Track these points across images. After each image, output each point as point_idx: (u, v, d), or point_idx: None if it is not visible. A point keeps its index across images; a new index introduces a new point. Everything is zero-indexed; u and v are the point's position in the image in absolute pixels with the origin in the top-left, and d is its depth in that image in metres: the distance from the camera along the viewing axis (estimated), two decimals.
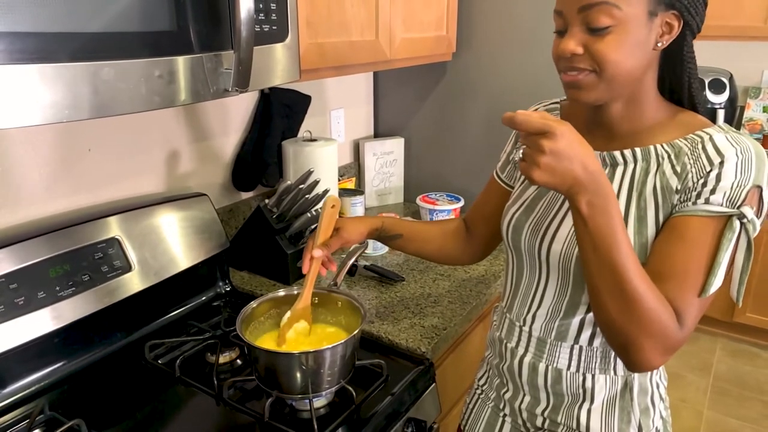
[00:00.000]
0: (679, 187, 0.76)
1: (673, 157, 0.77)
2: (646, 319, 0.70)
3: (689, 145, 0.76)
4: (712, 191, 0.73)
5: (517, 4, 1.66)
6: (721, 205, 0.72)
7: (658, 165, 0.78)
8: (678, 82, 0.80)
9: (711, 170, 0.73)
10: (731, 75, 2.98)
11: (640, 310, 0.70)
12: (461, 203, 1.82)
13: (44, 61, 0.67)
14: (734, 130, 0.77)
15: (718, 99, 2.94)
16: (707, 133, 0.76)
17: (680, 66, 0.79)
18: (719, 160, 0.73)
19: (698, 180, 0.74)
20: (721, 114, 2.94)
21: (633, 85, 0.77)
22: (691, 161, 0.75)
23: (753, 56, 3.08)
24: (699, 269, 0.73)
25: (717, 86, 2.95)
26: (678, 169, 0.76)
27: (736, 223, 0.72)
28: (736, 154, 0.73)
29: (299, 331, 1.02)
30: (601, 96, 0.77)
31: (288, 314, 1.02)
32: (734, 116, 3.07)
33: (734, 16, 2.74)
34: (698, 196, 0.74)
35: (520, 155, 0.68)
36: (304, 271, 1.00)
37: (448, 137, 1.92)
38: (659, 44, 0.75)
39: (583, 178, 0.67)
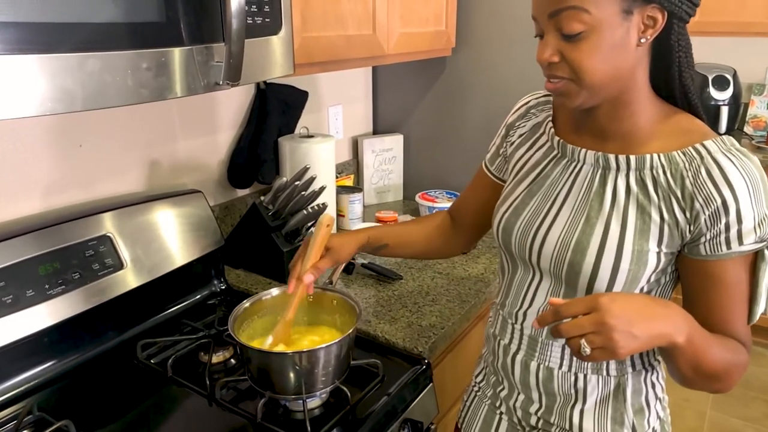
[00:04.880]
0: (689, 217, 0.74)
1: (668, 173, 0.74)
2: (734, 376, 0.76)
3: (687, 162, 0.73)
4: (740, 234, 0.72)
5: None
6: (753, 243, 0.73)
7: (654, 179, 0.75)
8: (668, 72, 0.76)
9: (726, 204, 0.71)
10: (735, 71, 2.95)
11: (728, 375, 0.75)
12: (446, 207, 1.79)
13: (26, 52, 0.64)
14: (733, 143, 0.74)
15: (722, 96, 2.91)
16: (706, 149, 0.73)
17: (669, 55, 0.75)
18: (730, 194, 0.70)
19: (715, 220, 0.72)
20: (724, 111, 2.91)
21: (620, 85, 0.74)
22: (696, 188, 0.72)
23: (757, 52, 3.05)
24: (745, 302, 0.77)
25: (721, 83, 2.92)
26: (679, 193, 0.74)
27: (767, 253, 0.74)
28: (747, 188, 0.71)
29: None
30: (586, 101, 0.75)
31: (270, 340, 0.96)
32: (738, 113, 3.04)
33: (738, 12, 2.71)
34: (728, 241, 0.72)
35: (587, 351, 0.65)
36: (289, 291, 0.96)
37: (448, 134, 1.90)
38: (643, 40, 0.71)
39: (665, 323, 0.68)
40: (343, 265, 1.14)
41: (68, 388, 1.03)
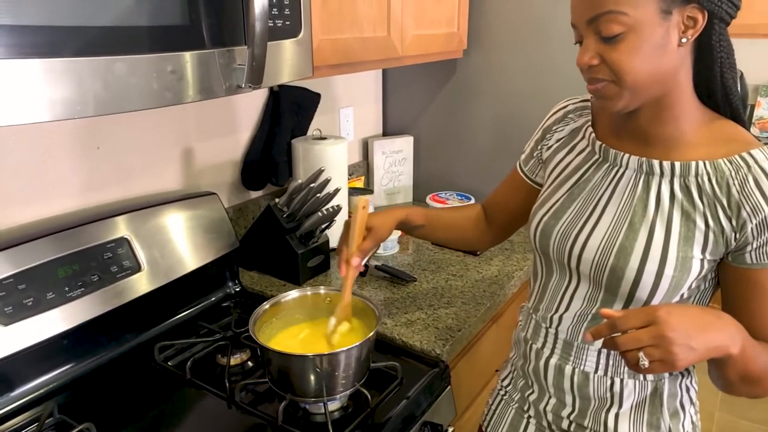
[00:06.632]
0: (735, 225, 0.73)
1: (714, 181, 0.74)
2: None
3: (733, 170, 0.73)
4: None
5: (528, 1, 1.64)
6: None
7: (699, 186, 0.75)
8: (710, 74, 0.76)
9: None
10: (741, 73, 2.94)
11: None
12: (471, 202, 1.80)
13: (54, 56, 0.65)
14: None
15: None
16: (753, 158, 0.73)
17: (710, 55, 0.74)
18: None
19: (762, 229, 0.72)
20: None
21: (662, 87, 0.74)
22: (743, 196, 0.72)
23: (764, 54, 3.05)
24: None
25: None
26: (725, 201, 0.74)
27: None
28: None
29: (343, 333, 1.00)
30: (629, 103, 0.75)
31: (333, 321, 1.00)
32: (744, 115, 3.04)
33: (744, 13, 2.67)
34: None
35: (646, 364, 0.65)
36: (342, 275, 0.99)
37: (458, 135, 1.90)
38: (684, 40, 0.71)
39: (721, 335, 0.67)
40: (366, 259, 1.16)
41: (87, 390, 1.03)
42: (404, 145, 1.98)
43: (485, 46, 1.76)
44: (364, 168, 1.99)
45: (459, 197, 1.84)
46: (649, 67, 0.71)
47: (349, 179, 1.83)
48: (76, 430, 0.89)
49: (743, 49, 3.06)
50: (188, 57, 0.79)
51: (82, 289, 1.04)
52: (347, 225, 1.00)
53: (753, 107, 3.06)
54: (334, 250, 1.52)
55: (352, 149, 1.95)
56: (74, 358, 1.06)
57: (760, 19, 2.68)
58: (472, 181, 1.91)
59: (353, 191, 1.74)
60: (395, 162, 1.98)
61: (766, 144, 0.76)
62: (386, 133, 2.07)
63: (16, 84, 0.62)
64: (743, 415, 2.49)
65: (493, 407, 1.05)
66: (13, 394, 0.97)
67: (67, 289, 1.02)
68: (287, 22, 0.94)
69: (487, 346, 1.41)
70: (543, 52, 1.65)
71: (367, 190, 1.79)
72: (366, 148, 2.00)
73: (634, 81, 0.72)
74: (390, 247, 1.57)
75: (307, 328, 1.05)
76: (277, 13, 0.91)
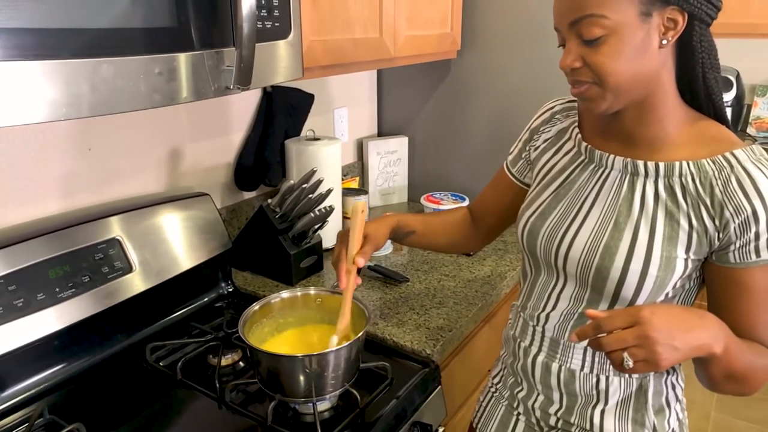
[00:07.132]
0: (718, 225, 0.74)
1: (698, 181, 0.75)
2: (761, 380, 0.75)
3: (716, 170, 0.74)
4: None
5: (522, 1, 1.64)
6: None
7: (683, 186, 0.76)
8: (692, 74, 0.76)
9: (756, 214, 0.71)
10: (738, 73, 2.95)
11: (756, 379, 0.75)
12: (466, 203, 1.80)
13: (42, 58, 0.65)
14: (762, 153, 0.74)
15: (725, 97, 2.91)
16: (736, 158, 0.73)
17: (691, 56, 0.75)
18: (760, 204, 0.71)
19: (744, 228, 0.72)
20: (728, 112, 2.91)
21: (645, 88, 0.75)
22: (726, 196, 0.73)
23: (761, 54, 3.05)
24: None
25: (723, 84, 2.91)
26: (708, 202, 0.74)
27: None
28: None
29: None
30: (612, 105, 0.76)
31: (335, 339, 0.96)
32: (741, 114, 3.04)
33: (741, 13, 2.70)
34: (757, 249, 0.73)
35: (630, 364, 0.65)
36: (342, 287, 0.96)
37: (453, 136, 1.90)
38: (664, 42, 0.72)
39: (704, 334, 0.68)
40: None
41: (78, 390, 1.03)
42: (399, 145, 1.98)
43: (479, 47, 1.76)
44: (358, 168, 1.99)
45: (454, 197, 1.84)
46: (631, 69, 0.72)
47: (343, 180, 1.83)
48: (66, 430, 0.89)
49: (740, 49, 3.07)
50: (176, 59, 0.80)
51: (73, 290, 1.04)
52: (342, 236, 0.98)
53: (750, 107, 3.06)
54: (327, 250, 1.53)
55: (346, 150, 1.95)
56: (65, 358, 1.06)
57: (758, 19, 2.68)
58: (466, 181, 1.91)
59: (348, 192, 1.74)
60: (390, 162, 1.98)
61: (763, 144, 0.76)
62: (381, 133, 2.07)
63: (9, 86, 0.62)
64: (739, 415, 2.49)
65: (484, 404, 1.05)
66: (3, 394, 0.97)
67: (57, 290, 1.02)
68: (276, 24, 0.94)
69: (480, 346, 1.41)
70: (537, 52, 1.65)
71: (362, 190, 1.79)
72: (361, 148, 2.00)
73: (617, 83, 0.73)
74: (384, 247, 1.57)
75: (298, 334, 1.05)
76: (266, 14, 0.92)
